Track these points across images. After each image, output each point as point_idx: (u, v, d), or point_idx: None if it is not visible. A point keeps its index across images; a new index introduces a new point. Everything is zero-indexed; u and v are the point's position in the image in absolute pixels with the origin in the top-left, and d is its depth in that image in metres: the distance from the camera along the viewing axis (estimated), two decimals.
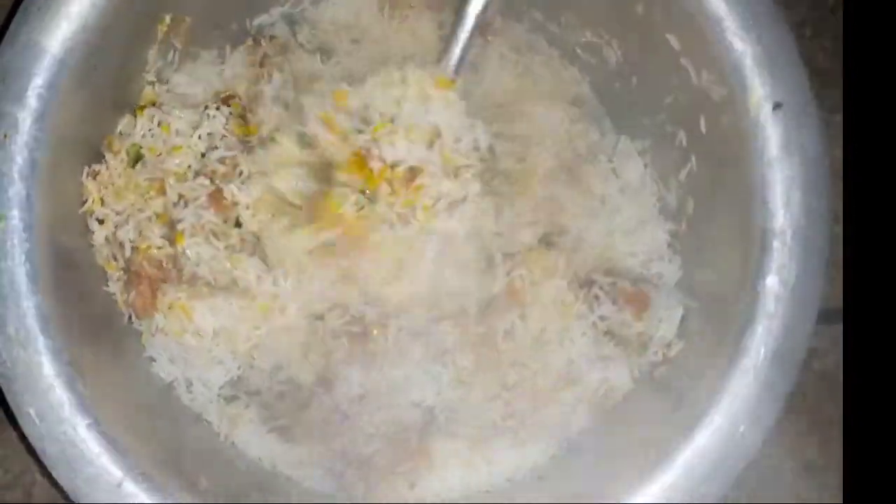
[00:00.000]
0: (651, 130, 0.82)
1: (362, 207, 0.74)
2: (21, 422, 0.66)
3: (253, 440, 0.79)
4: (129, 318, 0.78)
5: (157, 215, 0.78)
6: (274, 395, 0.78)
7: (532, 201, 0.81)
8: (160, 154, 0.79)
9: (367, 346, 0.77)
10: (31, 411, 0.66)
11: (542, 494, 0.78)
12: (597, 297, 0.79)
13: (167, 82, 0.81)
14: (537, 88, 0.86)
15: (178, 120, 0.79)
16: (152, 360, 0.79)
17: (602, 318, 0.79)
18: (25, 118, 0.68)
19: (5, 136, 0.68)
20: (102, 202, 0.77)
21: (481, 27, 0.78)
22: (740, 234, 0.72)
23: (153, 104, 0.80)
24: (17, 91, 0.68)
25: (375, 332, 0.77)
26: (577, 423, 0.79)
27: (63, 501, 0.67)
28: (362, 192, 0.75)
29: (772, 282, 0.69)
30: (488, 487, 0.80)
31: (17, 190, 0.68)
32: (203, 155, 0.79)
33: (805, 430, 0.89)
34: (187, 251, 0.77)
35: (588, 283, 0.79)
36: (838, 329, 0.80)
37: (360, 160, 0.74)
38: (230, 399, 0.79)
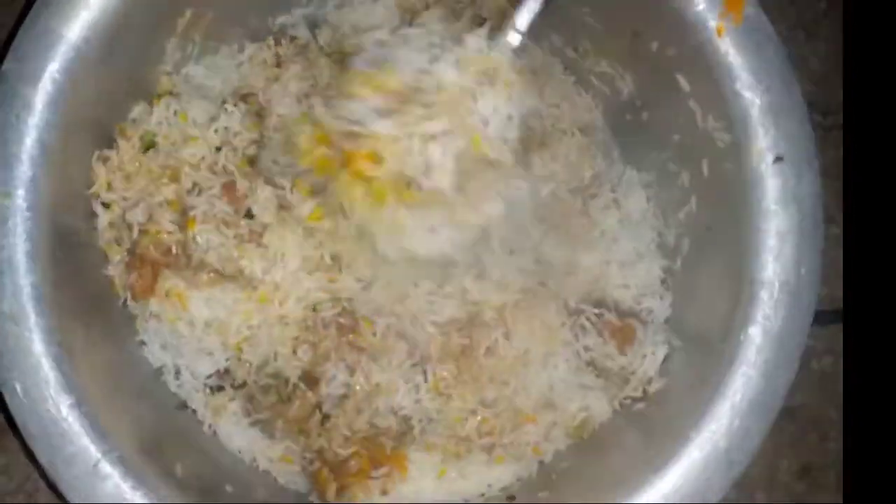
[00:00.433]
0: (657, 165, 0.83)
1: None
2: (6, 396, 0.67)
3: (235, 432, 0.80)
4: (125, 301, 0.79)
5: (169, 202, 0.79)
6: (258, 389, 0.79)
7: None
8: (175, 142, 0.80)
9: (354, 339, 0.78)
10: (18, 386, 0.67)
11: None
12: (583, 328, 0.79)
13: (184, 73, 0.82)
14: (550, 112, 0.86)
15: (196, 110, 0.81)
16: (143, 343, 0.80)
17: (586, 348, 0.79)
18: (38, 101, 0.69)
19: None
20: (110, 186, 0.78)
21: None
22: (730, 279, 0.73)
23: (170, 93, 0.82)
24: (32, 73, 0.69)
25: (364, 325, 0.78)
26: (552, 447, 0.80)
27: None
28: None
29: (755, 332, 0.70)
30: (461, 501, 0.80)
31: (24, 170, 0.69)
32: (218, 149, 0.80)
33: (804, 431, 0.89)
34: (197, 237, 0.78)
35: (577, 312, 0.80)
36: (837, 329, 0.80)
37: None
38: (216, 389, 0.80)
